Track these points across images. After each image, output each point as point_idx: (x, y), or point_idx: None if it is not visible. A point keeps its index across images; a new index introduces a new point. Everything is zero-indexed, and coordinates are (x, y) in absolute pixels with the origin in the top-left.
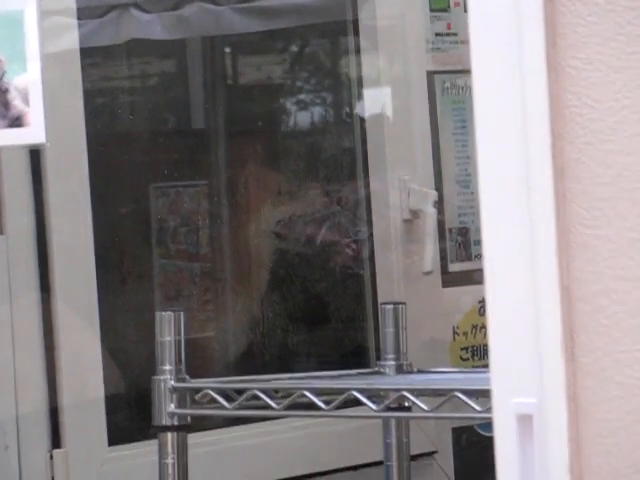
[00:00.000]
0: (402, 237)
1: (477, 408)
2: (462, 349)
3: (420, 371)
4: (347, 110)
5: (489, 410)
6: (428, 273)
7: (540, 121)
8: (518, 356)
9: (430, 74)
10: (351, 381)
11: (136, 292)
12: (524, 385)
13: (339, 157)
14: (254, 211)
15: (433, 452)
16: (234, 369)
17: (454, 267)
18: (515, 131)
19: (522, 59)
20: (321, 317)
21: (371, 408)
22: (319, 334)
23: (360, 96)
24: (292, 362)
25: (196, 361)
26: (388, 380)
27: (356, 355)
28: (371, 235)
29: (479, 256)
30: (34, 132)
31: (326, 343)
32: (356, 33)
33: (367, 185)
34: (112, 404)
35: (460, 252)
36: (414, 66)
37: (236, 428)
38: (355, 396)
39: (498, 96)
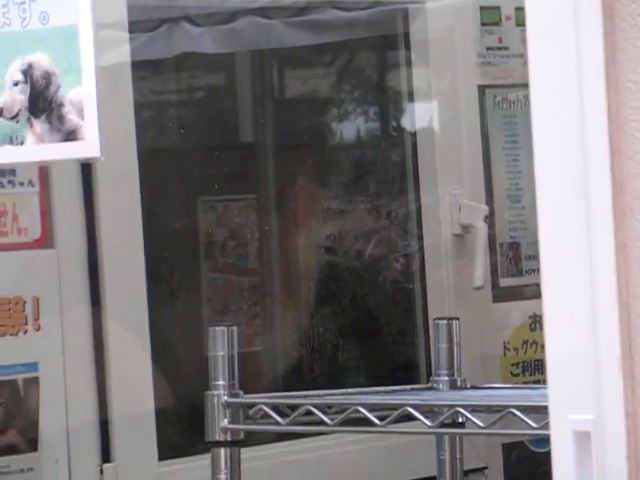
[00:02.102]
0: (452, 252)
1: (533, 425)
2: (513, 364)
3: (474, 387)
4: (397, 124)
5: (545, 427)
6: (479, 288)
7: (599, 136)
8: (575, 372)
9: (481, 88)
10: (405, 397)
11: (185, 306)
12: (581, 402)
13: (389, 171)
14: (303, 225)
15: (484, 468)
16: (283, 384)
17: (505, 282)
18: (574, 146)
19: (581, 74)
20: (371, 332)
21: (425, 424)
22: (369, 349)
23: (410, 110)
24: (342, 377)
25: (245, 376)
26: (442, 396)
27: (407, 370)
28: (421, 249)
29: (530, 271)
30: (89, 146)
31: (376, 358)
32: (407, 46)
33: (417, 199)
34: (162, 418)
35: (511, 267)
36: (465, 80)
37: (288, 443)
38: (409, 412)
39: (556, 111)
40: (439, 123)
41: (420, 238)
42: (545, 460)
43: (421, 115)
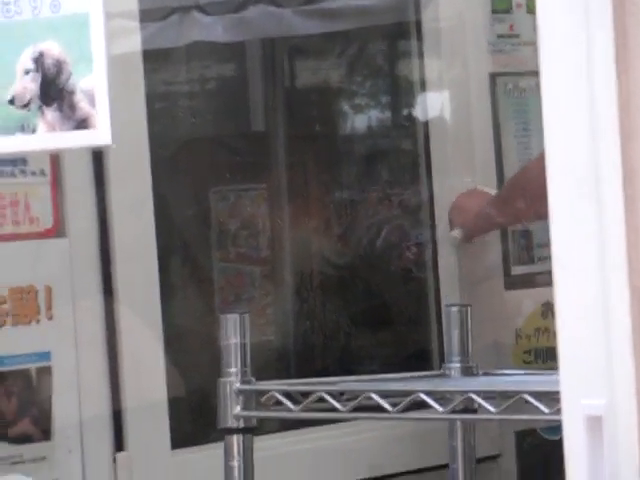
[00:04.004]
0: None
1: (545, 410)
2: (525, 352)
3: (486, 373)
4: (408, 113)
5: (557, 412)
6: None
7: (610, 122)
8: (587, 357)
9: (492, 76)
10: (417, 383)
11: (197, 295)
12: (593, 386)
13: (401, 160)
14: (315, 214)
15: (497, 455)
16: (296, 373)
17: (517, 270)
18: (584, 133)
19: (591, 60)
20: (383, 320)
21: (437, 410)
22: (381, 337)
23: (422, 99)
24: (354, 365)
25: (258, 365)
26: (454, 382)
27: (419, 357)
28: (433, 238)
29: (542, 259)
30: (100, 133)
31: (388, 346)
32: (418, 35)
33: (429, 188)
34: (175, 407)
35: (523, 255)
36: (476, 68)
37: (300, 431)
38: (422, 398)
39: (567, 98)
40: (451, 112)
41: (433, 227)
42: (557, 448)
43: (433, 104)
